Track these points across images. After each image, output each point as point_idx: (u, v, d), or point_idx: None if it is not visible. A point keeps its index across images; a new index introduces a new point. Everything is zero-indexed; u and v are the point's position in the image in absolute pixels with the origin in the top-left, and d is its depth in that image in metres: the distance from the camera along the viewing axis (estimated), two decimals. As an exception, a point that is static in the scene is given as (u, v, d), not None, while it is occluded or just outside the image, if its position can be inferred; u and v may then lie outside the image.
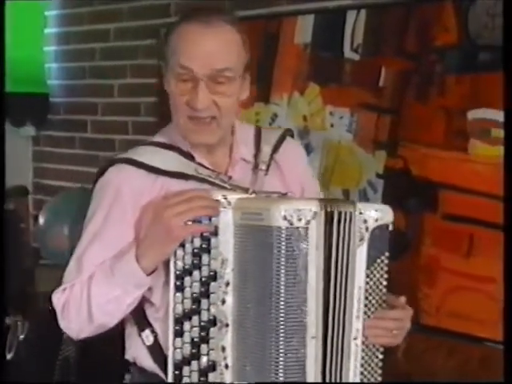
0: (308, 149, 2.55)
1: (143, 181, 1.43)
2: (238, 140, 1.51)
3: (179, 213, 1.32)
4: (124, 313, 1.41)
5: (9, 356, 2.25)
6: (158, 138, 1.51)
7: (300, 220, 1.30)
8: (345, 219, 1.35)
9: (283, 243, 1.30)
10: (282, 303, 1.30)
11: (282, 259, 1.30)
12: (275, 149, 1.53)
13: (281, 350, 1.29)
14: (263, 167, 1.48)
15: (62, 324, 1.43)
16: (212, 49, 1.38)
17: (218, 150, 1.49)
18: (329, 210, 1.33)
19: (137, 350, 1.45)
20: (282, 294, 1.30)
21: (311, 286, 1.32)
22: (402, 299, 1.46)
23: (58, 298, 1.42)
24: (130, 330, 1.47)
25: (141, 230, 1.39)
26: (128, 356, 1.48)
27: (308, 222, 1.31)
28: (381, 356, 1.43)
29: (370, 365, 1.41)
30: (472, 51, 2.16)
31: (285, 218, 1.29)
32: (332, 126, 2.49)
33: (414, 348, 2.26)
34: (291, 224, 1.29)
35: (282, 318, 1.30)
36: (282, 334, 1.30)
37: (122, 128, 3.24)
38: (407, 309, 1.47)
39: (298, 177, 1.55)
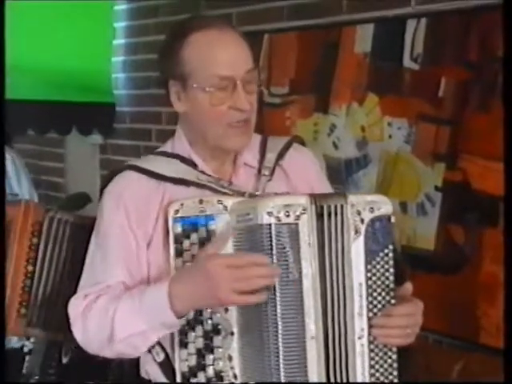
0: (366, 160, 2.52)
1: (145, 186, 1.42)
2: None
3: (237, 279, 1.25)
4: (148, 346, 1.36)
5: (65, 360, 2.26)
6: (161, 149, 1.53)
7: (288, 216, 1.27)
8: (335, 212, 1.30)
9: (273, 240, 1.26)
10: (278, 303, 1.26)
11: (274, 257, 1.26)
12: (280, 155, 1.51)
13: (281, 352, 1.26)
14: (266, 173, 1.47)
15: (78, 335, 1.39)
16: (239, 51, 1.40)
17: (223, 156, 1.48)
18: (318, 204, 1.29)
19: (149, 366, 1.43)
20: (277, 294, 1.26)
21: (306, 284, 1.28)
22: (409, 286, 1.36)
23: (76, 305, 1.39)
24: None
25: (183, 273, 1.32)
26: (142, 372, 1.45)
27: (298, 218, 1.27)
28: (394, 356, 1.35)
29: (382, 366, 1.34)
30: (536, 60, 2.07)
31: (271, 214, 1.26)
32: (390, 137, 2.44)
33: (472, 368, 2.18)
34: (279, 220, 1.26)
35: (279, 319, 1.27)
36: (280, 336, 1.27)
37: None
38: (417, 302, 1.38)
39: (307, 183, 1.51)
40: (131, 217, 1.41)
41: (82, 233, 1.80)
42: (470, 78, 2.23)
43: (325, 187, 1.57)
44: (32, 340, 2.20)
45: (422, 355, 2.20)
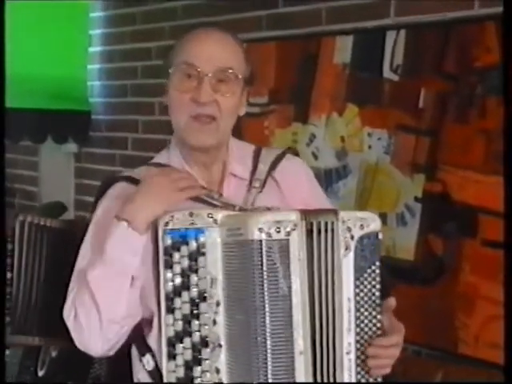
0: (346, 170, 2.52)
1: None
2: (232, 157, 1.51)
3: (174, 180, 1.37)
4: (127, 301, 1.36)
5: (40, 373, 2.24)
6: (155, 160, 1.54)
7: (279, 232, 1.28)
8: (326, 229, 1.32)
9: (263, 256, 1.27)
10: (268, 318, 1.27)
11: (264, 273, 1.28)
12: (272, 167, 1.51)
13: (269, 367, 1.27)
14: (257, 185, 1.47)
15: (77, 339, 1.38)
16: (216, 49, 1.43)
17: (213, 166, 1.50)
18: (309, 220, 1.30)
19: (141, 375, 1.43)
20: (267, 309, 1.28)
21: (295, 300, 1.29)
22: (392, 301, 1.39)
23: (67, 315, 1.39)
24: (134, 354, 1.45)
25: (128, 200, 1.37)
26: (135, 379, 1.45)
27: (288, 234, 1.28)
28: None
29: (368, 380, 1.36)
30: (514, 73, 2.10)
31: (262, 230, 1.27)
32: (370, 147, 2.45)
33: (451, 378, 2.19)
34: (270, 236, 1.28)
35: (268, 334, 1.27)
36: (269, 350, 1.27)
37: (162, 146, 3.21)
38: (401, 329, 1.40)
39: (299, 194, 1.51)
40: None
41: (63, 236, 1.78)
42: (448, 90, 2.25)
43: (318, 196, 1.58)
44: (7, 352, 2.16)
45: (401, 365, 2.20)
